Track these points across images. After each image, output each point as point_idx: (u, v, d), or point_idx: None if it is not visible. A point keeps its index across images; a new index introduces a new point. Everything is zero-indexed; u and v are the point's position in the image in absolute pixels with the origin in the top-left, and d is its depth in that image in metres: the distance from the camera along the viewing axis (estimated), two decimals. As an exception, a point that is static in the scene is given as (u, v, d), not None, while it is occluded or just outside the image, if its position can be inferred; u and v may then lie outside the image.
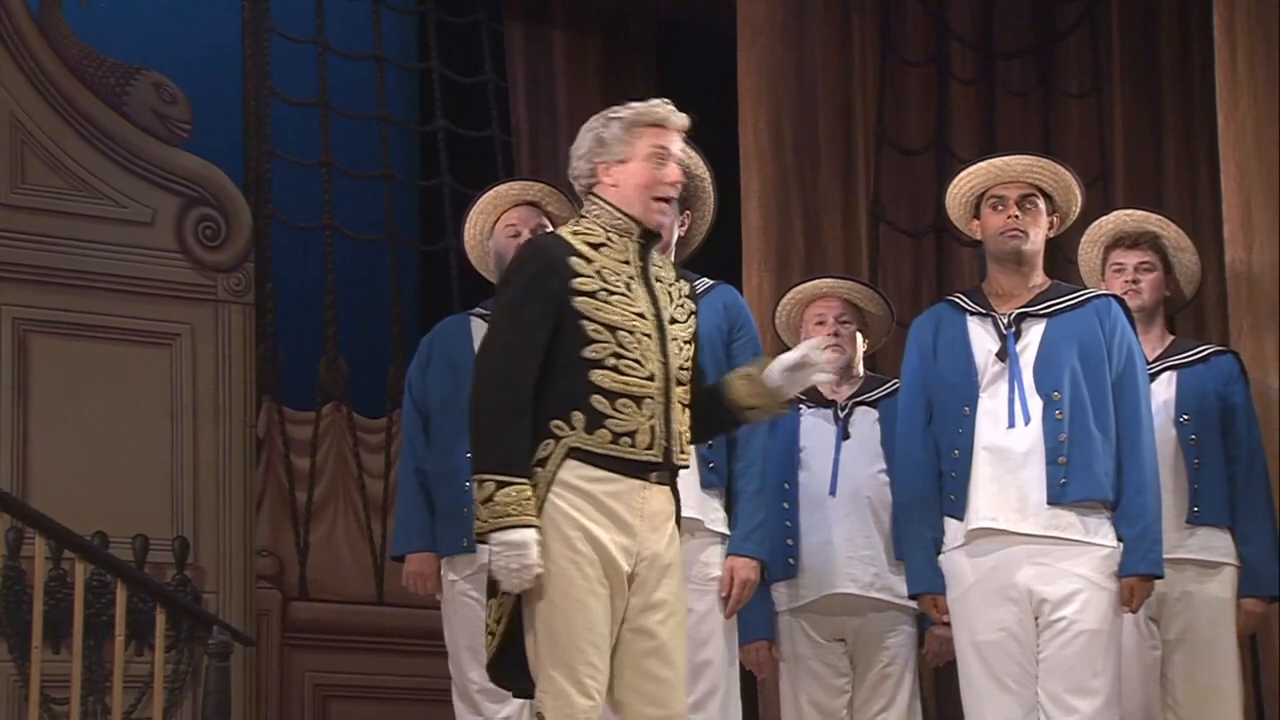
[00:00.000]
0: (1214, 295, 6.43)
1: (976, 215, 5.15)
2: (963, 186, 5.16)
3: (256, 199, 7.51)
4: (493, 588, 4.12)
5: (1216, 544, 5.42)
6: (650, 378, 4.15)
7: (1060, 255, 5.49)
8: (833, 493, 5.54)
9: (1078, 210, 5.21)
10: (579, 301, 4.13)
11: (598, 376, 4.11)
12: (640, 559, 4.15)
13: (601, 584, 4.09)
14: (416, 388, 5.40)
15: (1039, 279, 5.09)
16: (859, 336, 5.69)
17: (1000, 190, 5.08)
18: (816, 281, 5.82)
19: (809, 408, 5.65)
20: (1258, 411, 5.64)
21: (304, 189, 7.67)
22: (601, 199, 4.27)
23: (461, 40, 7.91)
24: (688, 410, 4.24)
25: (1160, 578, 5.01)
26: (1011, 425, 4.93)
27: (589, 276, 4.17)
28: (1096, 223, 5.61)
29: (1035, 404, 4.93)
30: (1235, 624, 5.45)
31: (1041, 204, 5.09)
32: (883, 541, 5.51)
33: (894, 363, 5.78)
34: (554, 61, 7.82)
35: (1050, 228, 5.13)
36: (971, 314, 5.11)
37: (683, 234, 5.00)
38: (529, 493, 4.04)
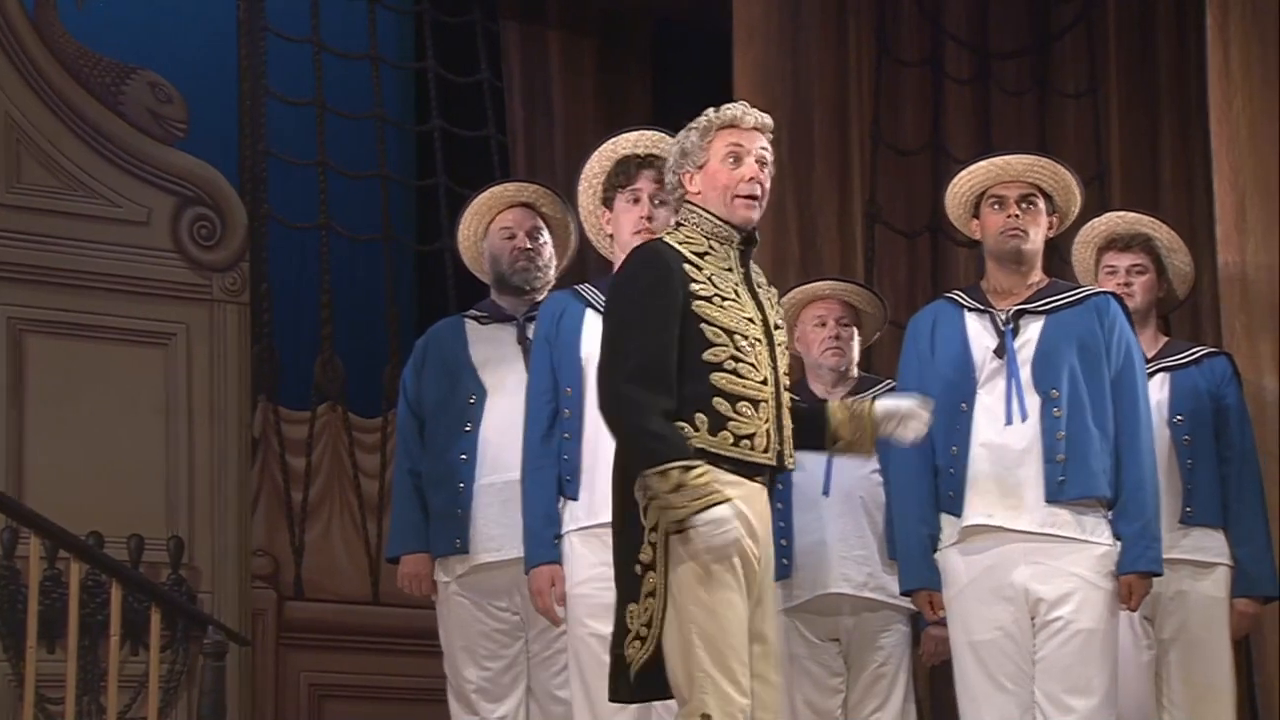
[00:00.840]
0: (1209, 296, 6.43)
1: (975, 215, 5.16)
2: (962, 186, 5.17)
3: (252, 199, 7.51)
4: (631, 591, 4.18)
5: (1210, 544, 5.43)
6: (764, 382, 4.24)
7: (1056, 255, 5.49)
8: (826, 493, 5.55)
9: (1077, 210, 5.22)
10: (698, 305, 4.20)
11: (718, 379, 4.18)
12: (760, 562, 4.24)
13: (743, 584, 4.16)
14: (411, 389, 5.40)
15: (1037, 278, 5.10)
16: (856, 337, 5.73)
17: (1000, 190, 5.09)
18: (816, 284, 5.84)
19: (802, 408, 5.66)
20: (1252, 413, 5.65)
21: (300, 189, 7.66)
22: (697, 207, 4.34)
23: (457, 40, 7.90)
24: (790, 413, 4.32)
25: (1159, 575, 5.02)
26: (1009, 422, 4.94)
27: (703, 282, 4.24)
28: (1089, 224, 5.62)
29: (1033, 401, 4.93)
30: (1229, 624, 5.45)
31: (1041, 203, 5.10)
32: (876, 541, 5.52)
33: (888, 363, 5.78)
34: (550, 62, 7.82)
35: (1050, 227, 5.13)
36: (970, 311, 5.12)
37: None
38: (712, 474, 4.10)
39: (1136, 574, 4.96)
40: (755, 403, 4.22)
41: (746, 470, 4.22)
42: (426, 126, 7.77)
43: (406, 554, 5.34)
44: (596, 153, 5.02)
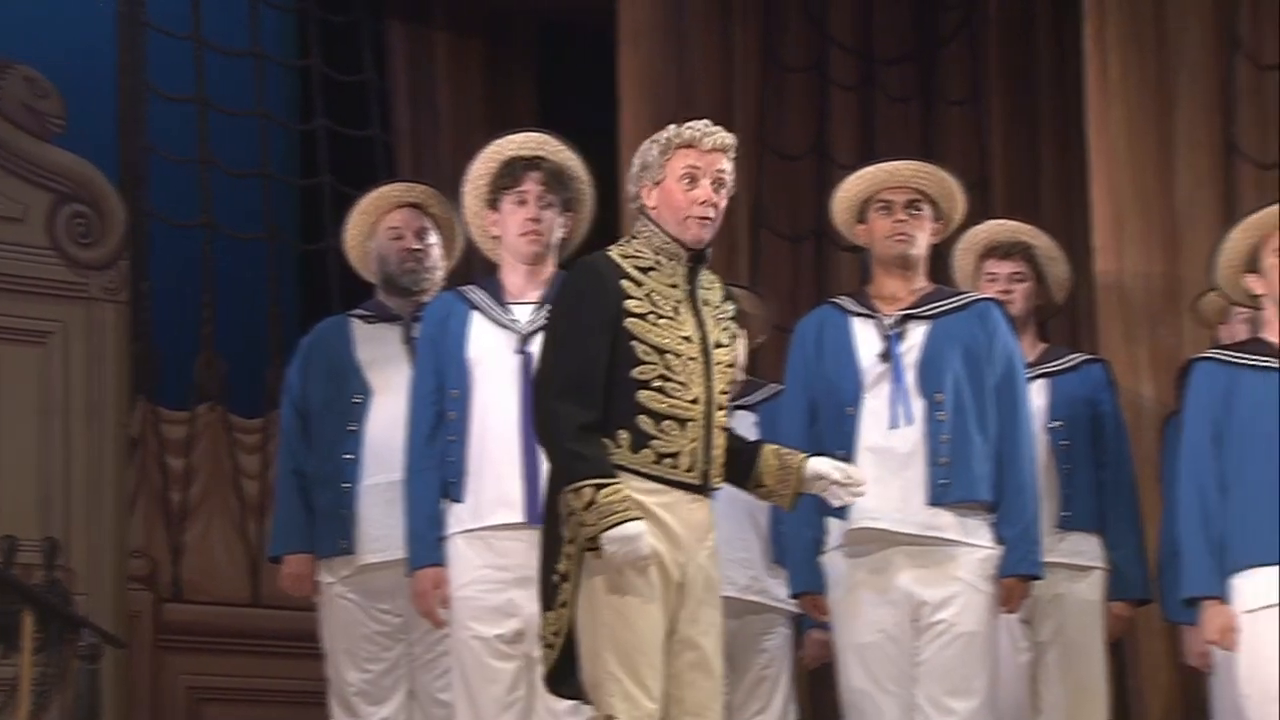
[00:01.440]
0: (1086, 303, 6.52)
1: (861, 220, 5.20)
2: (849, 191, 5.20)
3: (133, 196, 7.41)
4: (548, 600, 4.22)
5: (1086, 548, 5.49)
6: (694, 401, 4.25)
7: (940, 261, 5.54)
8: (711, 496, 5.57)
9: (960, 216, 5.27)
10: (630, 322, 4.23)
11: (644, 397, 4.21)
12: (686, 570, 4.25)
13: (657, 590, 4.18)
14: (296, 388, 5.36)
15: (922, 283, 5.14)
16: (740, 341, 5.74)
17: (887, 195, 5.13)
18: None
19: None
20: (1128, 419, 5.73)
21: (182, 186, 7.57)
22: (650, 220, 4.36)
23: (342, 38, 7.85)
24: (724, 434, 4.35)
25: (1039, 579, 5.08)
26: (894, 426, 4.97)
27: (639, 299, 4.26)
28: (971, 231, 5.67)
29: (918, 405, 4.97)
30: (1104, 627, 5.53)
31: (926, 209, 5.14)
32: (759, 544, 5.55)
33: (773, 367, 5.80)
34: (435, 62, 7.78)
35: (934, 233, 5.18)
36: (855, 315, 5.15)
37: (564, 236, 5.00)
38: (626, 491, 4.13)
39: (1017, 577, 5.01)
40: (683, 421, 4.24)
41: (673, 485, 4.24)
42: (311, 125, 7.71)
43: (289, 554, 5.31)
44: (481, 154, 5.01)
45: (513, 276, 4.96)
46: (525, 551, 4.72)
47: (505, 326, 4.89)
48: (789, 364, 5.26)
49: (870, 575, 4.95)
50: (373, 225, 5.38)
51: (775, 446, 4.53)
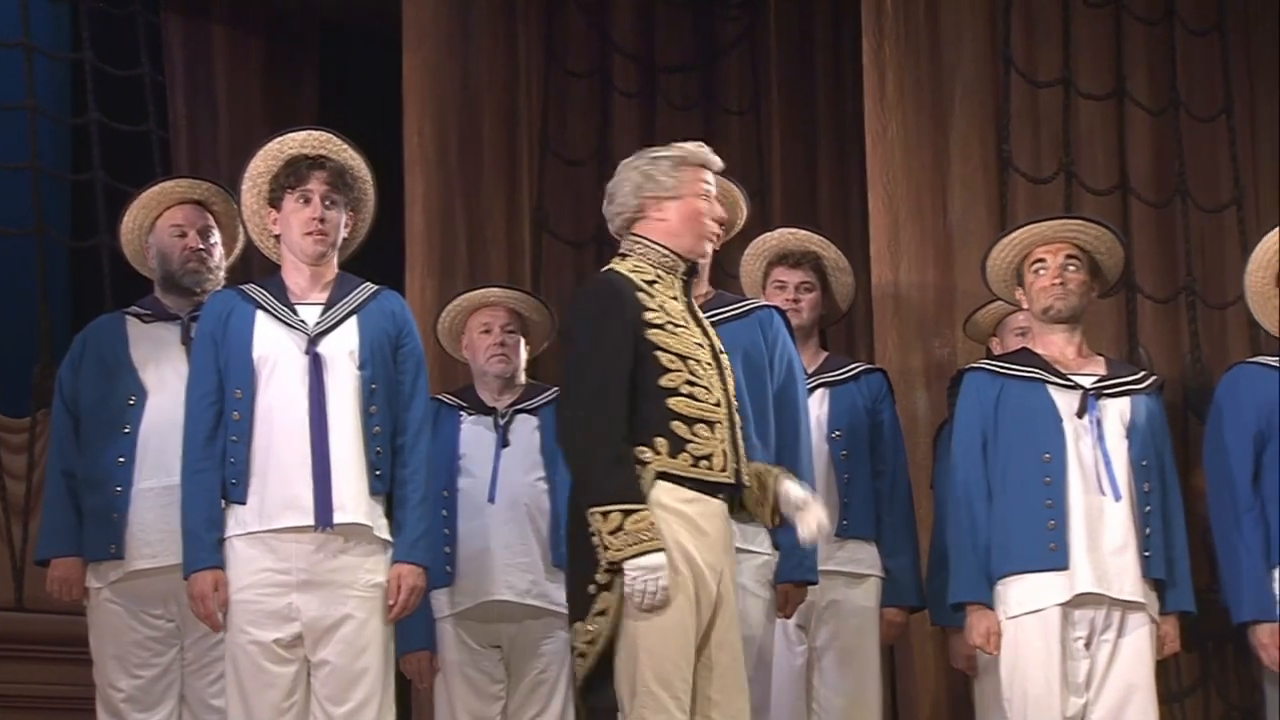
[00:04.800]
0: (863, 312, 6.61)
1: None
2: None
3: (-107, 189, 7.16)
4: (580, 610, 4.29)
5: (863, 556, 5.57)
6: (717, 404, 4.37)
7: (720, 270, 5.59)
8: (492, 500, 5.56)
9: (741, 223, 5.33)
10: (651, 333, 4.34)
11: (675, 403, 4.32)
12: (723, 579, 4.37)
13: (694, 603, 4.28)
14: (67, 387, 5.22)
15: (704, 289, 5.18)
16: (522, 344, 5.74)
17: None
18: (483, 290, 5.84)
19: (469, 414, 5.65)
20: (904, 427, 5.82)
21: (-54, 180, 7.33)
22: (645, 237, 4.47)
23: (117, 31, 7.66)
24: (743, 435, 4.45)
25: (814, 584, 5.14)
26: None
27: (655, 310, 4.37)
28: (761, 238, 5.73)
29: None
30: (878, 633, 5.61)
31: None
32: (540, 549, 5.55)
33: (556, 371, 5.79)
34: (214, 57, 7.63)
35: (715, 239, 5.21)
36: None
37: (346, 236, 4.95)
38: (652, 518, 4.23)
39: (793, 583, 5.07)
40: (711, 424, 4.35)
41: (708, 489, 4.34)
42: (83, 119, 7.51)
43: (57, 557, 5.16)
44: (262, 152, 4.94)
45: (296, 277, 4.89)
46: (309, 554, 4.68)
47: (293, 327, 4.80)
48: (569, 368, 5.26)
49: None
50: (152, 219, 5.27)
51: (754, 464, 4.56)
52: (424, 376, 4.90)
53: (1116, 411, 4.99)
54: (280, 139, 4.93)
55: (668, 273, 4.47)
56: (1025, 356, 5.13)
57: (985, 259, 5.20)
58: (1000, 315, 5.86)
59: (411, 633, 5.33)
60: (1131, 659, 4.91)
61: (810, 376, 5.51)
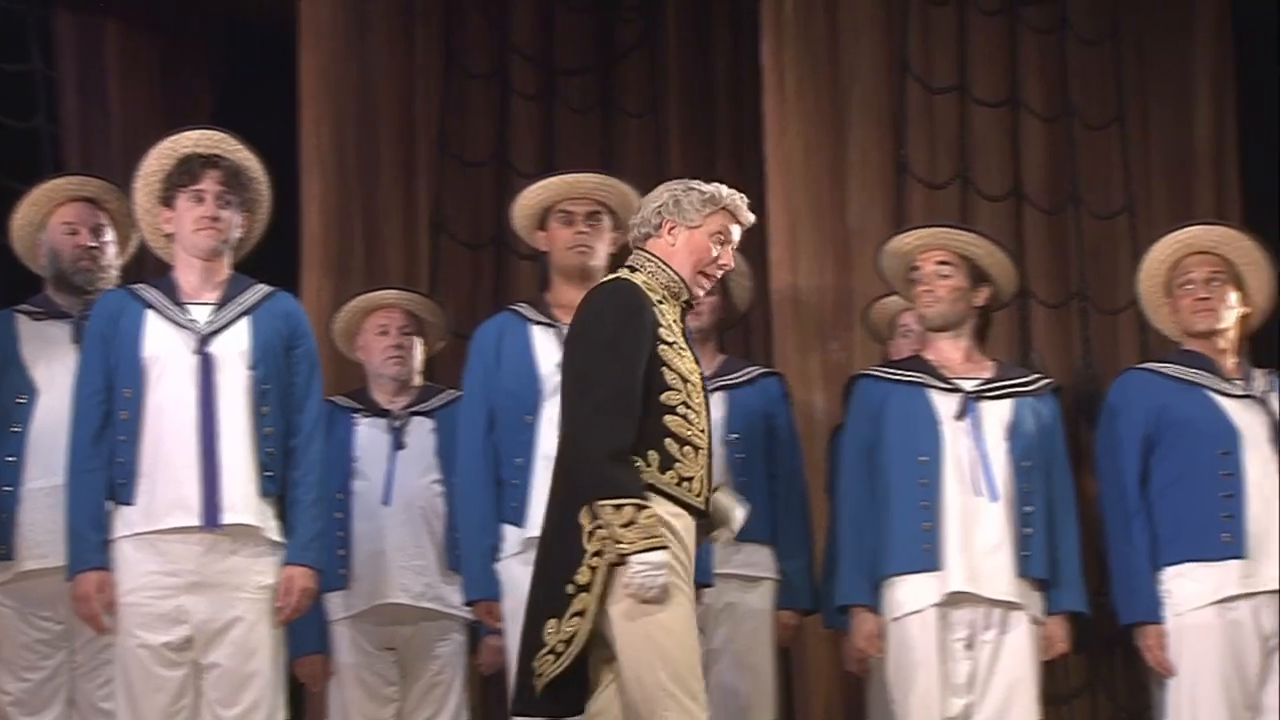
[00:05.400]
0: (760, 315, 6.64)
1: (541, 227, 5.24)
2: (531, 199, 5.26)
3: None
4: (555, 607, 4.32)
5: (759, 559, 5.59)
6: (703, 430, 4.46)
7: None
8: (386, 502, 5.55)
9: (638, 227, 5.34)
10: (662, 349, 4.42)
11: (670, 422, 4.40)
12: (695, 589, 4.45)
13: (693, 610, 4.40)
14: (-45, 387, 5.15)
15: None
16: (418, 346, 5.73)
17: (568, 205, 5.21)
18: (380, 292, 5.83)
19: (363, 417, 5.63)
20: (801, 429, 5.85)
21: None
22: (654, 255, 4.55)
23: (7, 26, 7.56)
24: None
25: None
26: (574, 434, 5.01)
27: (666, 327, 4.46)
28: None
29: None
30: (773, 635, 5.63)
31: (607, 220, 5.23)
32: (435, 551, 5.54)
33: (450, 373, 5.78)
34: (106, 53, 7.54)
35: (613, 243, 5.25)
36: (535, 324, 5.19)
37: (241, 236, 4.91)
38: (659, 516, 4.30)
39: (690, 587, 5.09)
40: (696, 448, 4.43)
41: (685, 509, 4.42)
42: (-31, 114, 7.41)
43: (-54, 559, 5.09)
44: (155, 150, 4.91)
45: (188, 275, 4.85)
46: (198, 556, 4.66)
47: (183, 326, 4.78)
48: (468, 371, 5.26)
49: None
50: (44, 218, 5.22)
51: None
52: (318, 378, 4.89)
53: (997, 414, 5.04)
54: (174, 138, 4.91)
55: (672, 297, 4.55)
56: (913, 362, 5.20)
57: (877, 264, 5.27)
58: (894, 314, 5.92)
59: (304, 636, 5.31)
60: (1013, 659, 4.97)
61: (709, 380, 5.51)
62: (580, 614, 4.32)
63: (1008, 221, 6.68)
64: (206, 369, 4.71)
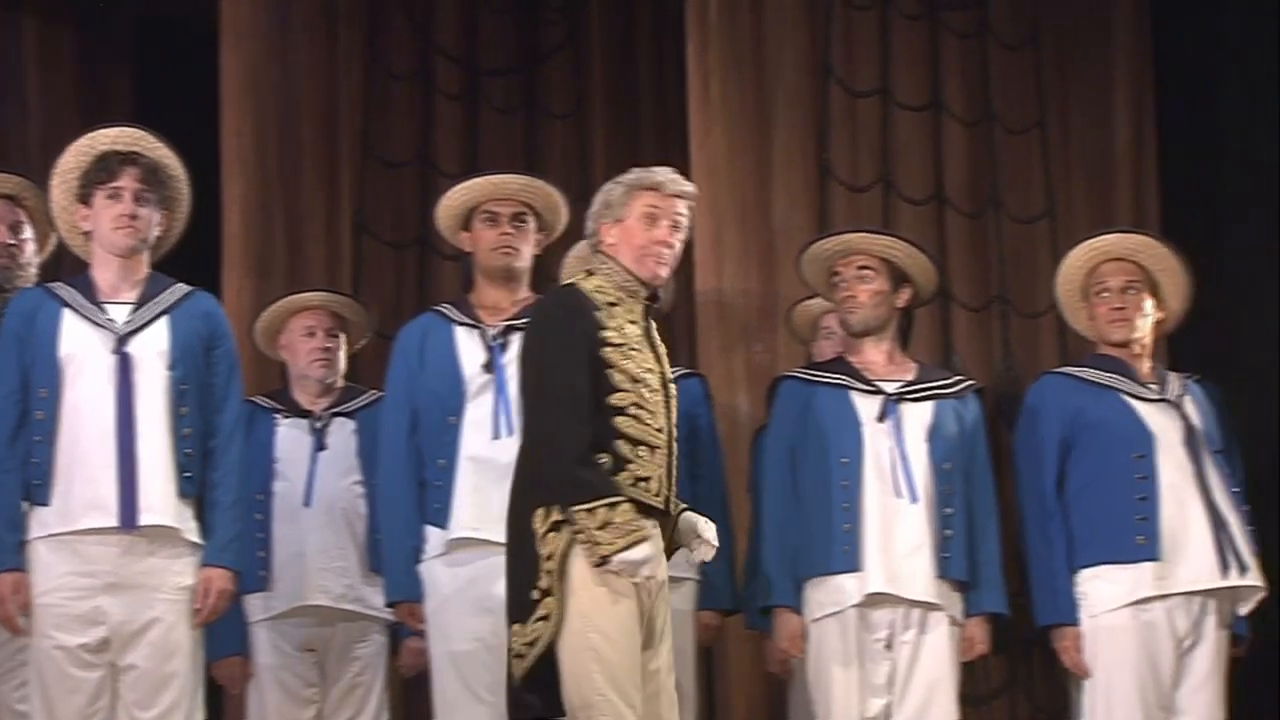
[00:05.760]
0: (683, 316, 6.64)
1: (465, 228, 5.23)
2: (455, 200, 5.25)
3: None
4: (520, 613, 4.34)
5: (679, 560, 5.58)
6: (660, 430, 4.46)
7: (544, 275, 5.59)
8: (308, 504, 5.53)
9: (562, 228, 5.35)
10: (607, 351, 4.42)
11: (621, 423, 4.40)
12: (657, 593, 4.45)
13: (638, 615, 4.37)
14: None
15: (525, 294, 5.20)
16: (343, 348, 5.71)
17: (494, 206, 5.21)
18: (307, 294, 5.80)
19: (284, 417, 5.61)
20: (724, 431, 5.86)
21: None
22: (610, 258, 4.56)
23: (-80, 21, 7.48)
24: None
25: None
26: (496, 436, 5.02)
27: (613, 330, 4.45)
28: (584, 242, 5.72)
29: (520, 416, 4.99)
30: (694, 635, 5.64)
31: (532, 222, 5.22)
32: (356, 553, 5.53)
33: (373, 373, 5.76)
34: (24, 49, 7.46)
35: (538, 245, 5.25)
36: (459, 325, 5.18)
37: (160, 235, 4.88)
38: (633, 509, 4.32)
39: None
40: (653, 448, 4.44)
41: (643, 510, 4.40)
42: (-114, 111, 7.32)
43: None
44: (73, 147, 4.87)
45: (105, 274, 4.81)
46: (115, 557, 4.62)
47: (101, 326, 4.74)
48: (390, 372, 5.24)
49: (469, 584, 4.97)
50: (-41, 216, 5.16)
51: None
52: (238, 379, 4.86)
53: (918, 416, 5.08)
54: (92, 135, 4.88)
55: (629, 296, 4.54)
56: (836, 364, 5.23)
57: (799, 269, 5.30)
58: (817, 315, 5.95)
59: (223, 637, 5.27)
60: (932, 660, 5.01)
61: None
62: (545, 618, 4.35)
63: (929, 225, 6.71)
64: (124, 369, 4.67)
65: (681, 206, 4.57)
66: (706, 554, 4.63)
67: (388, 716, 5.66)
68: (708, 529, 4.60)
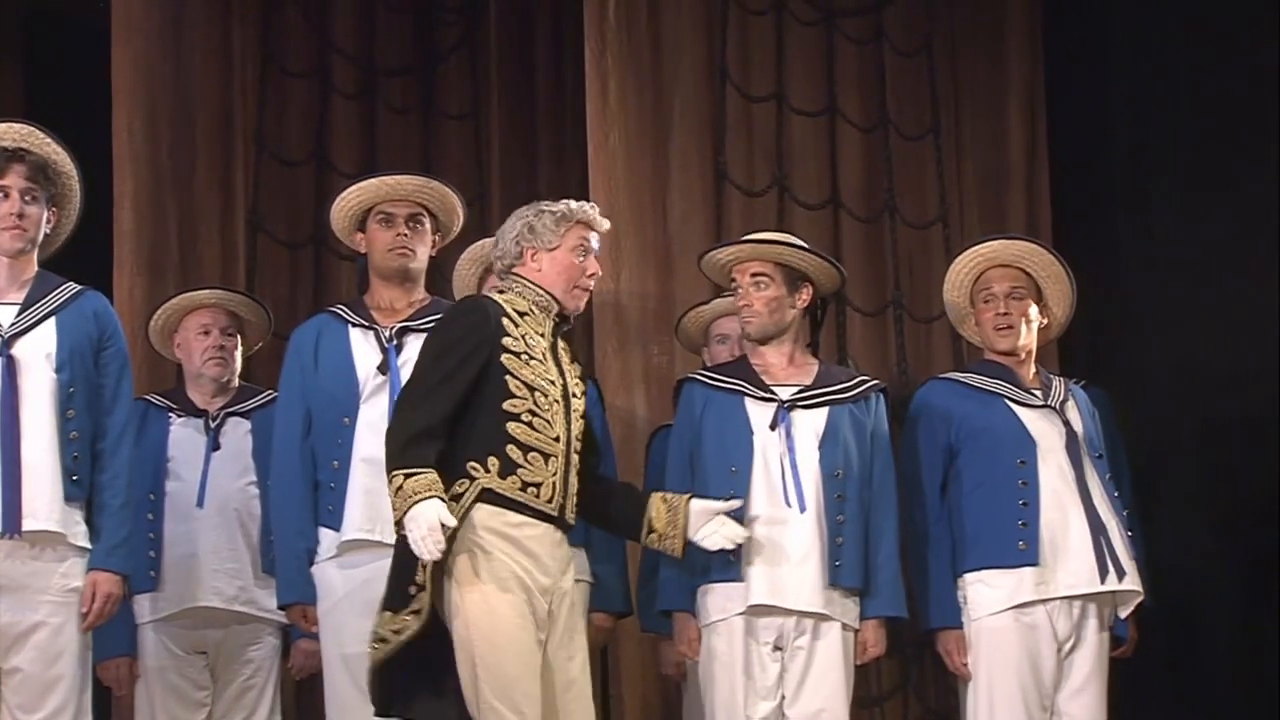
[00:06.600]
0: (580, 320, 6.63)
1: (361, 229, 5.21)
2: (350, 200, 5.22)
3: None
4: (394, 602, 4.43)
5: (575, 562, 5.58)
6: (556, 439, 4.58)
7: (439, 275, 5.57)
8: (201, 504, 5.49)
9: (458, 229, 5.34)
10: (506, 358, 4.54)
11: (514, 429, 4.52)
12: (555, 598, 4.57)
13: (529, 619, 4.47)
14: None
15: (420, 295, 5.19)
16: (239, 347, 5.66)
17: (389, 207, 5.19)
18: (203, 292, 5.76)
19: (178, 416, 5.56)
20: (621, 433, 5.88)
21: None
22: (524, 279, 4.69)
23: None
24: (579, 475, 4.66)
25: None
26: (390, 437, 4.99)
27: (515, 339, 4.57)
28: (477, 244, 5.73)
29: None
30: (587, 637, 5.63)
31: (428, 223, 5.21)
32: (249, 554, 5.49)
33: (269, 374, 5.72)
34: (-89, 43, 7.38)
35: (433, 246, 5.24)
36: (354, 326, 5.16)
37: (49, 232, 4.81)
38: (432, 477, 4.38)
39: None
40: (546, 456, 4.55)
41: (534, 514, 4.53)
42: None
43: None
44: None
45: (-9, 274, 4.74)
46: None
47: (-17, 328, 4.67)
48: (284, 372, 5.21)
49: (362, 586, 4.94)
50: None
51: (662, 493, 4.82)
52: (128, 380, 4.80)
53: (810, 423, 5.08)
54: None
55: (541, 310, 4.68)
56: (738, 367, 5.21)
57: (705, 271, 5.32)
58: (707, 321, 5.97)
59: (110, 639, 5.23)
60: (825, 665, 5.01)
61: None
62: (417, 612, 4.43)
63: (825, 229, 6.75)
64: (10, 372, 4.61)
65: (597, 241, 4.78)
66: (738, 534, 4.76)
67: (280, 718, 5.62)
68: (716, 506, 4.75)
